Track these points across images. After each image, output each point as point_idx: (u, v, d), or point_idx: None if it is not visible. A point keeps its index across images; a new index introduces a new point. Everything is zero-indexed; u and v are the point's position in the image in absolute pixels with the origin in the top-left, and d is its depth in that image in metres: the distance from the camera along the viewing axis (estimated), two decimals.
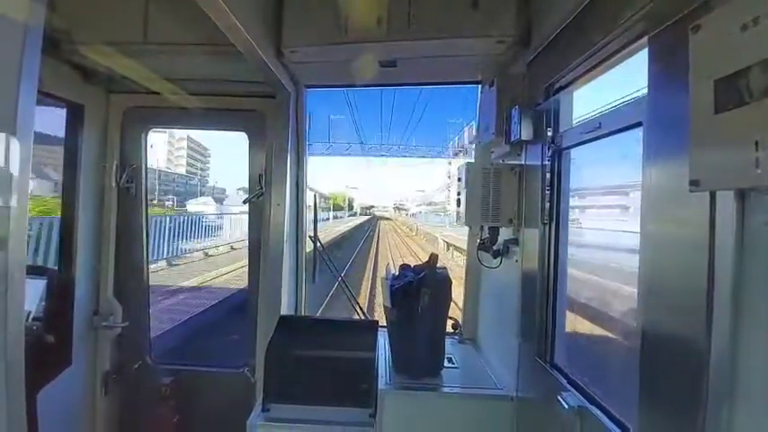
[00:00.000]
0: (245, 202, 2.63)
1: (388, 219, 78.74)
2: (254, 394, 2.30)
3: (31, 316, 2.18)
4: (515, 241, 2.09)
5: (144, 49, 2.06)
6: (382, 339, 2.31)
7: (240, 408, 1.97)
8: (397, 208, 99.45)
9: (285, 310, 2.46)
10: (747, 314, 0.81)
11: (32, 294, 2.21)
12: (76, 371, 2.38)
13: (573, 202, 1.79)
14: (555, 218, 1.74)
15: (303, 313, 2.78)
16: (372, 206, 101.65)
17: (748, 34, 0.73)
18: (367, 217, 72.52)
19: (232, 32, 1.65)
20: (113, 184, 2.55)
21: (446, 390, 2.11)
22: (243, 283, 5.70)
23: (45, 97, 2.10)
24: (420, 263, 2.34)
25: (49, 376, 2.18)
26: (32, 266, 2.40)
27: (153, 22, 2.03)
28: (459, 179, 2.24)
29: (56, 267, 2.42)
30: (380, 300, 2.32)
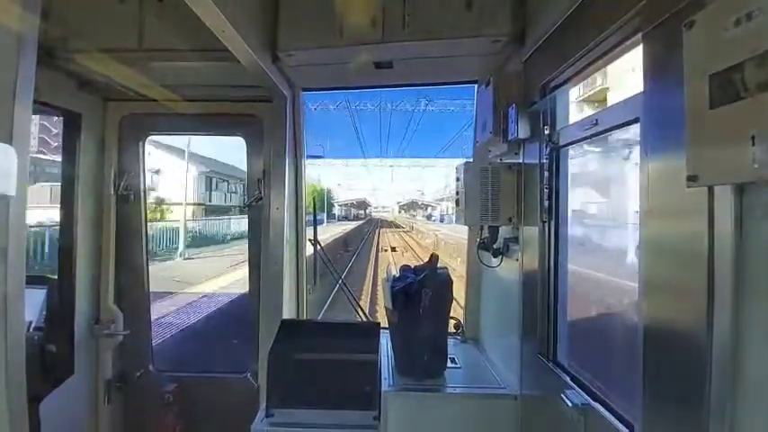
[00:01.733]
0: (244, 207, 2.63)
1: (396, 227, 43.05)
2: (258, 399, 2.30)
3: (32, 326, 2.17)
4: (515, 240, 2.09)
5: (139, 56, 2.06)
6: (384, 341, 2.30)
7: (244, 413, 1.96)
8: (410, 206, 59.37)
9: (286, 313, 2.45)
10: (748, 308, 0.81)
11: (33, 304, 2.21)
12: (79, 380, 2.37)
13: None
14: (554, 215, 1.74)
15: (305, 317, 2.78)
16: (364, 202, 56.25)
17: (742, 29, 0.73)
18: (356, 224, 38.57)
19: (227, 38, 1.66)
20: (112, 192, 2.55)
21: (449, 390, 2.11)
22: None
23: (42, 106, 2.10)
24: (420, 264, 2.34)
25: (51, 386, 2.17)
26: (32, 276, 2.39)
27: (148, 28, 2.04)
28: (458, 179, 2.24)
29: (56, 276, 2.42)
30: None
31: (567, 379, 1.56)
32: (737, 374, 0.82)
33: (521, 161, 2.05)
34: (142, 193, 2.66)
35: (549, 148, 1.74)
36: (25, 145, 0.98)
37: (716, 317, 0.86)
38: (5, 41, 0.93)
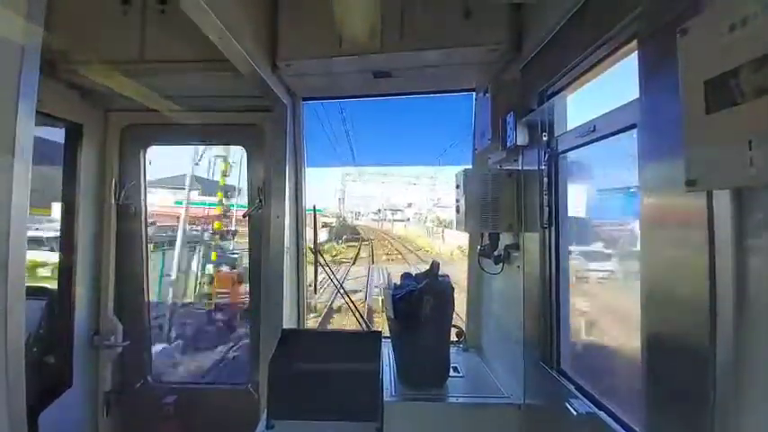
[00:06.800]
0: (244, 216, 2.63)
1: None
2: (258, 410, 2.27)
3: (31, 337, 2.16)
4: (516, 246, 2.09)
5: (141, 67, 2.08)
6: (386, 350, 2.28)
7: (244, 425, 1.94)
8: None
9: (287, 323, 2.44)
10: (750, 310, 0.80)
11: (32, 315, 2.20)
12: (78, 392, 2.35)
13: None
14: (554, 222, 1.74)
15: (305, 326, 2.76)
16: None
17: (737, 35, 0.74)
18: None
19: (227, 48, 1.68)
20: (112, 203, 2.55)
21: (452, 400, 2.09)
22: None
23: (43, 117, 2.12)
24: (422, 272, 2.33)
25: (50, 398, 2.15)
26: (32, 287, 2.38)
27: (149, 40, 2.06)
28: (458, 186, 2.24)
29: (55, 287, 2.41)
30: None
31: (572, 387, 1.54)
32: (741, 380, 0.81)
33: (520, 168, 2.05)
34: (143, 204, 2.66)
35: (547, 155, 1.75)
36: (27, 155, 0.98)
37: (718, 322, 0.85)
38: (9, 51, 0.94)
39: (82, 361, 2.39)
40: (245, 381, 2.55)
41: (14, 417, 0.96)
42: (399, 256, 21.54)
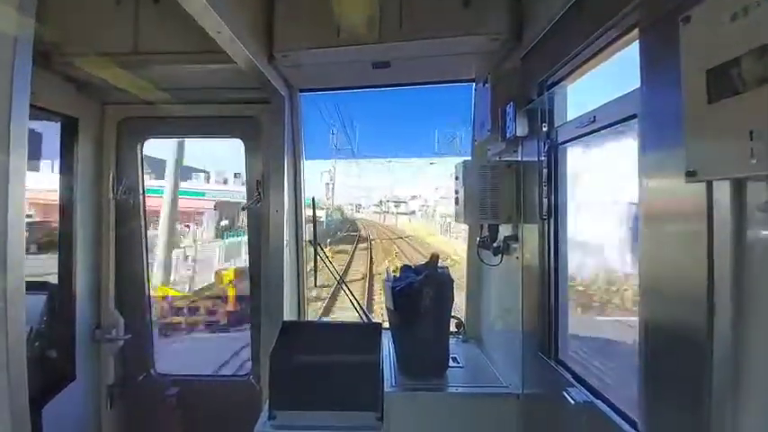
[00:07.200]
0: (243, 209, 2.63)
1: None
2: (260, 402, 2.30)
3: (33, 332, 2.17)
4: (515, 238, 2.09)
5: (136, 59, 2.06)
6: (386, 341, 2.30)
7: (247, 416, 1.96)
8: None
9: (287, 315, 2.45)
10: (748, 302, 0.81)
11: (33, 310, 2.21)
12: (81, 385, 2.37)
13: None
14: (553, 213, 1.74)
15: (306, 318, 2.77)
16: None
17: (738, 24, 0.73)
18: None
19: (223, 39, 1.66)
20: (111, 196, 2.54)
21: (452, 390, 2.11)
22: None
23: (39, 111, 2.10)
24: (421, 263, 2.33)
25: (53, 391, 2.17)
26: (32, 282, 2.38)
27: (143, 31, 2.03)
28: (457, 178, 2.23)
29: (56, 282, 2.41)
30: None
31: (569, 377, 1.56)
32: (739, 368, 0.81)
33: (519, 159, 2.04)
34: (141, 197, 2.66)
35: (547, 146, 1.74)
36: (22, 150, 0.97)
37: (716, 311, 0.86)
38: (0, 44, 0.93)
39: (84, 355, 2.41)
40: (247, 372, 2.57)
41: (17, 411, 0.97)
42: None
